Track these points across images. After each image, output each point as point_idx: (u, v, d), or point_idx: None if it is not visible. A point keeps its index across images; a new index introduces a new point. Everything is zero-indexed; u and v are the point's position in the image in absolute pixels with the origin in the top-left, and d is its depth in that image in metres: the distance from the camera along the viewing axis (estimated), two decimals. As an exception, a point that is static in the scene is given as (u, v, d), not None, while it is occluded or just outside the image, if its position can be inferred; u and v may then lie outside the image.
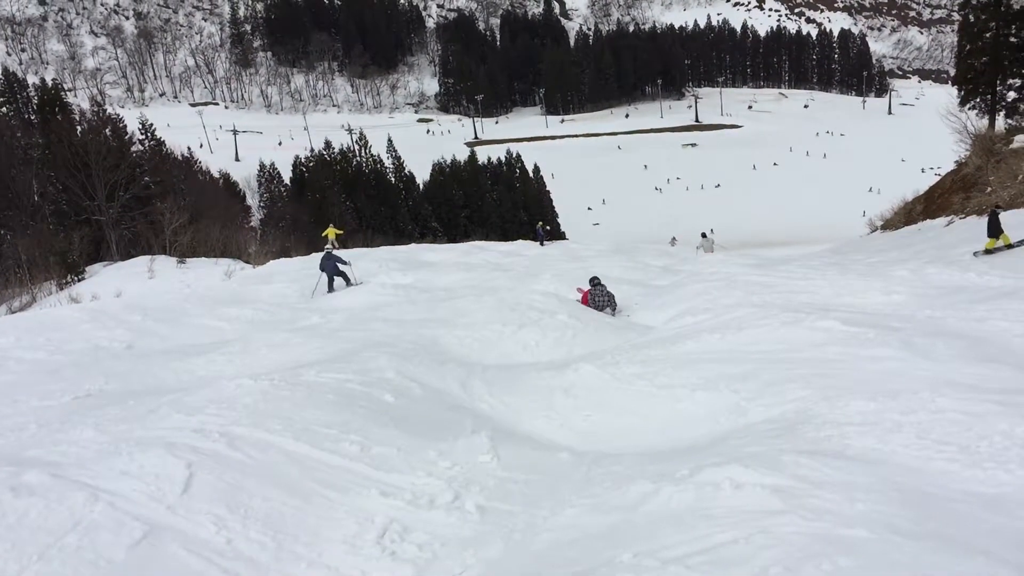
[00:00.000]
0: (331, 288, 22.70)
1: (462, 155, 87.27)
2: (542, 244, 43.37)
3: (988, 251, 20.38)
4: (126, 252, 35.82)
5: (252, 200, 68.67)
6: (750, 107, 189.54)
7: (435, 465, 7.93)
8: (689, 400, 9.75)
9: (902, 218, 37.98)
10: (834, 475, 6.04)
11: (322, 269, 22.73)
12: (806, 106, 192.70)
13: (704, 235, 39.66)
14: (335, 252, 24.19)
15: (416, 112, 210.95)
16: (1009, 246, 19.96)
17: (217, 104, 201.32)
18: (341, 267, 22.86)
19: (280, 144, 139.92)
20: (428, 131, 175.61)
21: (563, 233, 78.75)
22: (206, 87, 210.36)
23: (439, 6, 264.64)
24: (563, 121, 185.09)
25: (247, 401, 8.93)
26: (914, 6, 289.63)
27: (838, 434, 7.26)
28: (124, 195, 37.53)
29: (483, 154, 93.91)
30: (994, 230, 20.53)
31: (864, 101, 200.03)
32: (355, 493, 7.21)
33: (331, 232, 40.83)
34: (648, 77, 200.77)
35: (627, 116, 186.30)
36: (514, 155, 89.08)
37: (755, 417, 8.66)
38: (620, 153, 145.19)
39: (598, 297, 18.31)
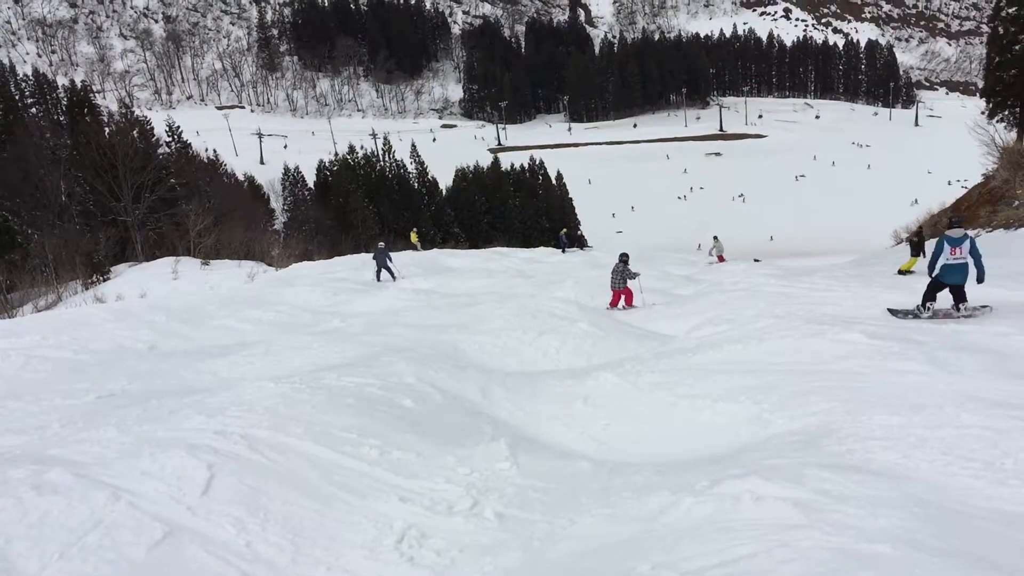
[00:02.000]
0: (379, 278, 26.25)
1: (485, 161, 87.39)
2: (564, 251, 43.37)
3: (904, 272, 20.47)
4: (151, 253, 36.11)
5: (276, 203, 69.09)
6: (817, 116, 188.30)
7: (454, 471, 7.92)
8: (710, 411, 9.69)
9: (928, 231, 37.61)
10: (857, 490, 5.98)
11: (375, 259, 26.77)
12: (824, 116, 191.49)
13: (716, 237, 39.74)
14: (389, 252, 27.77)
15: (440, 118, 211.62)
16: (900, 272, 20.39)
17: (243, 107, 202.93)
18: (389, 264, 26.56)
19: (285, 147, 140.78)
20: (452, 136, 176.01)
21: (585, 240, 78.71)
22: (232, 90, 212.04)
23: (465, 12, 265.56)
24: (587, 128, 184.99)
25: (268, 404, 8.96)
26: (942, 17, 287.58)
27: (861, 448, 7.19)
28: (150, 196, 37.85)
29: (506, 160, 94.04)
30: (916, 248, 20.95)
31: (890, 112, 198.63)
32: (374, 498, 7.22)
33: (413, 236, 45.34)
34: (673, 85, 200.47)
35: (647, 126, 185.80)
36: (537, 162, 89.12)
37: (776, 429, 8.59)
38: (643, 161, 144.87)
39: (615, 275, 19.65)
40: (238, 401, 9.15)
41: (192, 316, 18.75)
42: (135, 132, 41.06)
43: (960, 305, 12.95)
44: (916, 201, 57.88)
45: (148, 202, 37.88)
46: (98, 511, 6.29)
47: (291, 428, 8.30)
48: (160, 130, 47.34)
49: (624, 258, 19.94)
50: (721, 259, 38.59)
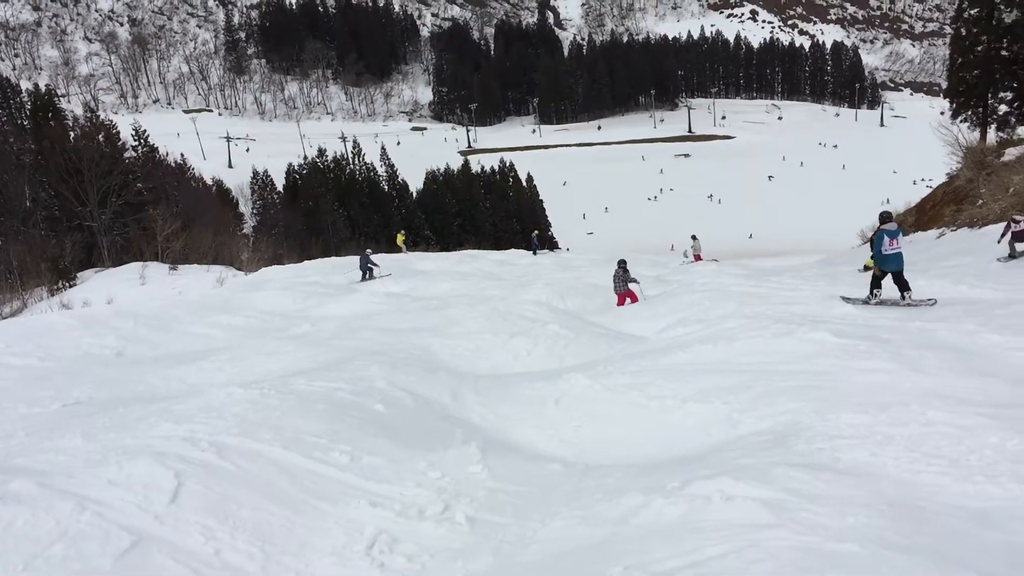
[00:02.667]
0: (363, 279, 27.44)
1: (455, 163, 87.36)
2: (535, 253, 43.43)
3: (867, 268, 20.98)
4: (118, 258, 35.70)
5: (245, 207, 68.59)
6: (780, 118, 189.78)
7: (425, 475, 7.89)
8: (680, 411, 9.72)
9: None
10: (825, 488, 6.03)
11: (361, 267, 28.00)
12: (791, 117, 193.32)
13: (694, 237, 40.02)
14: (372, 256, 29.56)
15: (410, 120, 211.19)
16: (865, 268, 21.11)
17: (211, 111, 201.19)
18: (371, 266, 27.98)
19: (248, 150, 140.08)
20: (422, 139, 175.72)
21: (556, 242, 78.87)
22: (200, 94, 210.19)
23: (433, 15, 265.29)
24: (556, 131, 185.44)
25: (237, 410, 8.88)
26: (906, 19, 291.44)
27: (829, 447, 7.25)
28: (116, 201, 37.42)
29: (476, 163, 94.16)
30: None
31: (856, 113, 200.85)
32: (344, 503, 7.18)
33: (400, 238, 45.08)
34: (642, 87, 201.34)
35: (616, 127, 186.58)
36: (507, 164, 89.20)
37: (746, 429, 8.64)
38: (613, 163, 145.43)
39: (616, 279, 20.66)
40: (206, 407, 9.06)
41: (160, 322, 18.54)
42: (101, 136, 40.54)
43: (905, 293, 14.21)
44: (888, 200, 58.73)
45: (114, 207, 37.44)
46: (63, 521, 6.21)
47: (260, 434, 8.24)
48: (126, 134, 46.80)
49: (623, 264, 20.86)
50: (698, 258, 38.83)
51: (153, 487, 6.89)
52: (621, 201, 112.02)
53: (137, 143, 49.89)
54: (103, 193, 36.73)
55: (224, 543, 6.35)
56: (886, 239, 14.03)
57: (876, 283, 14.65)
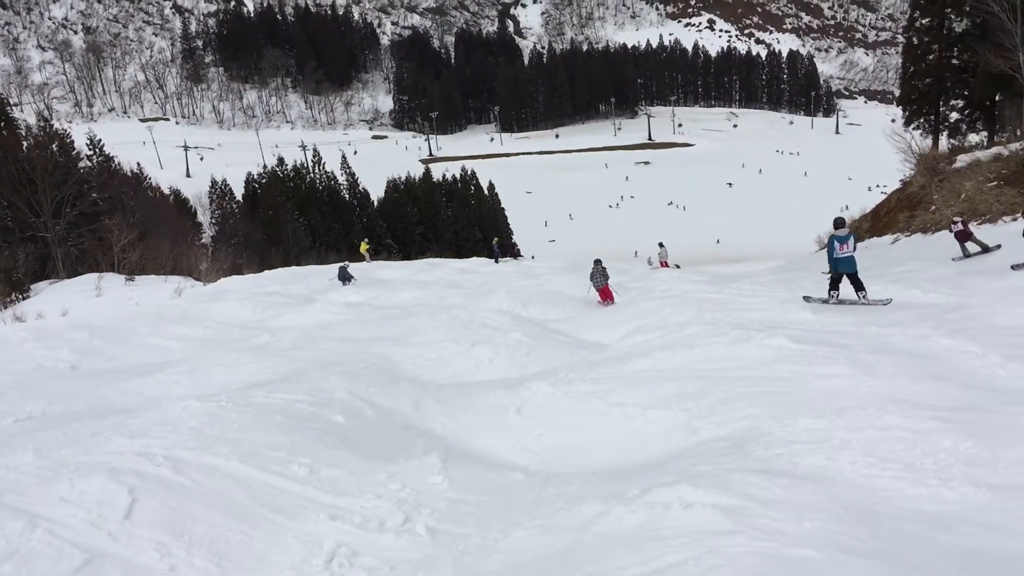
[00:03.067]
0: (344, 284, 28.48)
1: (417, 172, 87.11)
2: (497, 261, 43.42)
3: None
4: (73, 270, 35.03)
5: (203, 217, 67.81)
6: (735, 126, 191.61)
7: (385, 487, 7.84)
8: (641, 418, 9.77)
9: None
10: (783, 494, 6.08)
11: (340, 278, 29.05)
12: (749, 125, 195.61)
13: (661, 244, 40.31)
14: (351, 266, 31.52)
15: (371, 129, 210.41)
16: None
17: (168, 120, 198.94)
18: (351, 273, 29.34)
19: (202, 159, 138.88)
20: (383, 147, 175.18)
21: (518, 250, 78.96)
22: (156, 102, 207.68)
23: (393, 23, 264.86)
24: (517, 139, 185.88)
25: (193, 424, 8.75)
26: (860, 28, 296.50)
27: (787, 452, 7.31)
28: (71, 212, 36.75)
29: (438, 171, 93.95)
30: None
31: (812, 120, 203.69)
32: (303, 517, 7.10)
33: (363, 246, 45.39)
34: (602, 95, 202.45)
35: (576, 135, 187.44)
36: (469, 172, 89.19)
37: (706, 435, 8.70)
38: (575, 170, 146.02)
39: (596, 276, 21.53)
40: (162, 421, 8.92)
41: (116, 334, 18.25)
42: (55, 146, 39.82)
43: (860, 294, 15.24)
44: (847, 207, 59.63)
45: (69, 217, 36.77)
46: (13, 540, 6.07)
47: (217, 448, 8.12)
48: (81, 143, 46.02)
49: (599, 262, 21.97)
50: (665, 265, 39.05)
51: (107, 504, 6.76)
52: (583, 208, 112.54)
53: (92, 152, 49.05)
54: (57, 203, 36.04)
55: (180, 560, 6.25)
56: (837, 244, 15.30)
57: (834, 284, 15.68)
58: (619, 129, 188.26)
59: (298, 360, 14.25)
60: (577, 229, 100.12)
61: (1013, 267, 17.44)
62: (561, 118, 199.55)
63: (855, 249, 15.53)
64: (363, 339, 16.66)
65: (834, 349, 10.97)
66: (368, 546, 6.68)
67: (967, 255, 20.93)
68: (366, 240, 48.58)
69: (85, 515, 6.59)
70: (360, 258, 43.05)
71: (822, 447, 7.30)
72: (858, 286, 15.25)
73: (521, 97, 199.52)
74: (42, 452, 8.22)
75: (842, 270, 15.34)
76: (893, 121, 38.39)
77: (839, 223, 15.89)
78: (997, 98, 35.80)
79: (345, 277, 29.06)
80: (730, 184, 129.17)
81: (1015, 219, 23.79)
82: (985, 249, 20.69)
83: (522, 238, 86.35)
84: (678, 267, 39.14)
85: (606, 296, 21.68)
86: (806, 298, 16.24)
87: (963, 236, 21.14)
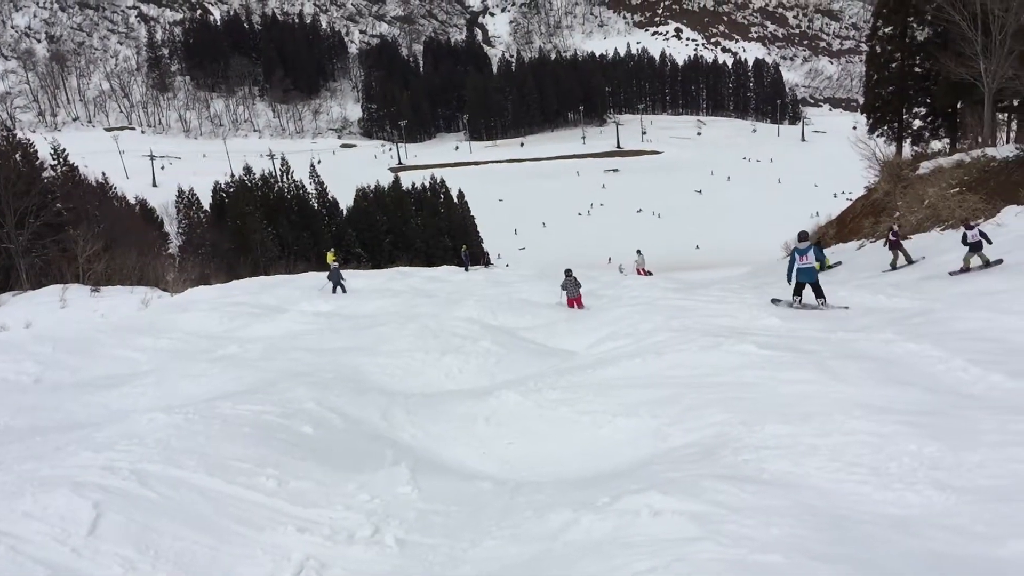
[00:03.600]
0: (334, 291, 28.55)
1: (386, 180, 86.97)
2: (467, 269, 43.38)
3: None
4: (37, 281, 34.52)
5: (170, 227, 67.11)
6: (699, 133, 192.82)
7: (354, 498, 7.79)
8: (610, 426, 9.79)
9: (816, 242, 39.01)
10: (751, 500, 6.12)
11: (329, 279, 29.44)
12: (715, 133, 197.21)
13: (639, 251, 40.62)
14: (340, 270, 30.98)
15: (339, 137, 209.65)
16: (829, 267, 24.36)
17: (133, 129, 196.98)
18: (342, 280, 29.35)
19: (163, 168, 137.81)
20: (352, 156, 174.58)
21: (488, 257, 78.95)
22: (122, 111, 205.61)
23: (362, 32, 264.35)
24: (486, 147, 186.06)
25: (159, 436, 8.65)
26: (824, 37, 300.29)
27: (755, 458, 7.37)
28: (35, 222, 36.27)
29: (407, 179, 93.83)
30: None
31: (778, 128, 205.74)
32: (271, 530, 7.03)
33: (330, 256, 44.02)
34: (570, 104, 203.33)
35: (545, 143, 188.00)
36: (438, 180, 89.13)
37: (675, 442, 8.74)
38: (544, 178, 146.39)
39: (569, 286, 22.18)
40: (128, 434, 8.81)
41: (81, 346, 18.01)
42: (17, 156, 39.30)
43: (819, 300, 16.24)
44: (817, 213, 60.29)
45: (33, 228, 36.28)
46: (-26, 557, 5.96)
47: (184, 461, 8.03)
48: (44, 153, 45.47)
49: (569, 272, 22.57)
50: (641, 272, 39.24)
51: (71, 519, 6.66)
52: (553, 216, 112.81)
53: (56, 162, 48.48)
54: (21, 214, 35.54)
55: (145, 574, 6.16)
56: (798, 256, 16.45)
57: (797, 291, 16.72)
58: (584, 138, 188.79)
59: (266, 371, 14.13)
60: (547, 237, 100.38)
61: (951, 273, 18.33)
62: (530, 126, 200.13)
63: (817, 260, 16.59)
64: (332, 349, 16.56)
65: (801, 355, 11.08)
66: (337, 558, 6.63)
67: (894, 267, 22.36)
68: (333, 250, 48.13)
69: (49, 530, 6.49)
70: (327, 267, 42.86)
71: (789, 453, 7.37)
72: (818, 293, 16.24)
73: (490, 105, 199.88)
74: (5, 466, 8.10)
75: (803, 279, 16.37)
76: (854, 128, 38.93)
77: (802, 236, 16.99)
78: (959, 105, 36.42)
79: (337, 282, 29.20)
80: (699, 191, 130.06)
81: (977, 224, 24.20)
82: (909, 261, 22.26)
83: (492, 246, 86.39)
84: (650, 273, 39.36)
85: (576, 304, 22.22)
86: (774, 301, 17.14)
87: (896, 246, 22.60)
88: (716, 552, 5.08)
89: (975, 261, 18.65)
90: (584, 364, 13.33)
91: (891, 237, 23.20)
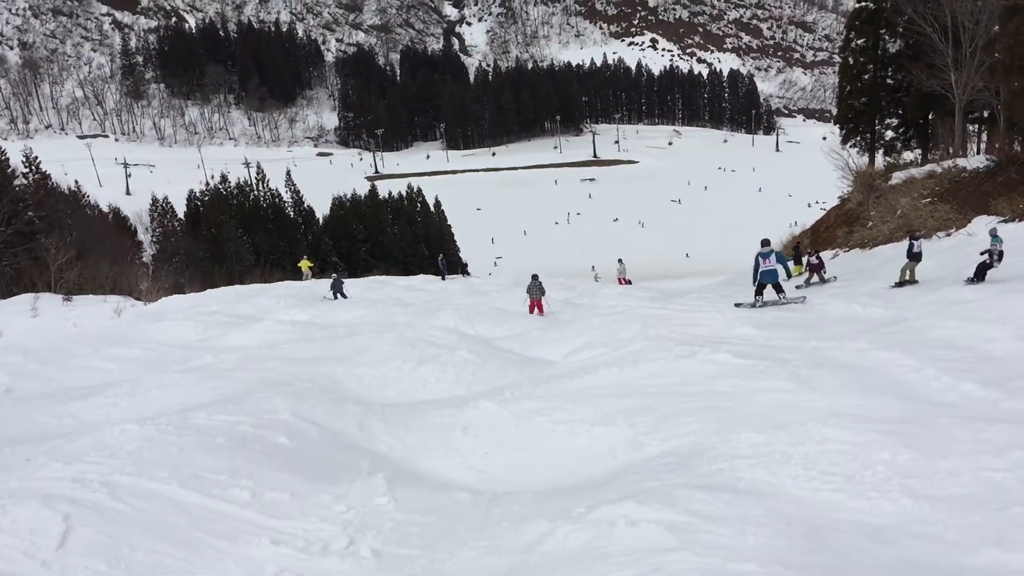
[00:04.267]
0: (335, 298, 29.34)
1: (363, 189, 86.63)
2: (444, 278, 43.32)
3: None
4: (8, 290, 34.11)
5: (144, 235, 66.52)
6: (670, 143, 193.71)
7: (329, 509, 7.73)
8: (587, 435, 9.79)
9: (790, 251, 39.32)
10: (726, 509, 6.14)
11: (332, 288, 30.15)
12: (689, 143, 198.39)
13: (620, 260, 40.83)
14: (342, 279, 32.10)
15: (315, 146, 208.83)
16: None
17: (107, 136, 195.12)
18: (343, 288, 30.27)
19: (130, 175, 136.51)
20: (329, 164, 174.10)
21: (465, 266, 78.86)
22: (95, 119, 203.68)
23: (338, 40, 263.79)
24: (464, 156, 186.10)
25: (131, 447, 8.55)
26: (798, 48, 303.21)
27: (730, 467, 7.39)
28: (6, 230, 35.88)
29: (384, 188, 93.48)
30: (796, 258, 28.22)
31: (753, 138, 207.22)
32: (245, 542, 6.96)
33: (305, 264, 44.19)
34: (547, 113, 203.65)
35: (522, 152, 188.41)
36: (415, 189, 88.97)
37: (651, 451, 8.76)
38: (520, 187, 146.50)
39: (533, 289, 23.42)
40: (99, 446, 8.70)
41: (52, 356, 17.79)
42: (-12, 163, 38.92)
43: (780, 295, 18.78)
44: (796, 223, 60.74)
45: (4, 236, 35.89)
46: (-60, 573, 5.86)
47: (156, 472, 7.94)
48: (16, 160, 45.01)
49: (535, 277, 24.00)
50: (622, 281, 39.36)
51: (40, 532, 6.57)
52: (530, 225, 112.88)
53: (28, 170, 48.00)
54: (-9, 222, 35.18)
55: (116, 589, 6.08)
56: (762, 260, 18.72)
57: (759, 291, 19.10)
58: (557, 147, 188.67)
59: (241, 381, 14.01)
60: (525, 246, 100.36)
61: (891, 287, 19.46)
62: (507, 135, 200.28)
63: (780, 263, 18.98)
64: (309, 359, 16.47)
65: (776, 364, 11.14)
66: (311, 570, 6.57)
67: (808, 284, 23.88)
68: (306, 257, 47.83)
69: (17, 544, 6.39)
70: (299, 276, 42.63)
71: (764, 461, 7.40)
72: (778, 289, 18.81)
73: (467, 114, 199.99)
74: (-28, 480, 7.96)
75: (765, 280, 18.75)
76: (824, 139, 39.45)
77: (765, 243, 19.37)
78: (930, 116, 36.89)
79: (338, 289, 29.93)
80: (678, 200, 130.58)
81: (948, 235, 24.53)
82: (823, 281, 23.82)
83: (468, 255, 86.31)
84: (630, 282, 39.49)
85: (537, 308, 23.57)
86: (737, 304, 19.25)
87: (815, 268, 24.21)
88: (692, 562, 5.08)
89: (910, 274, 19.39)
90: (561, 373, 13.33)
91: (812, 261, 24.70)
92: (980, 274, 17.04)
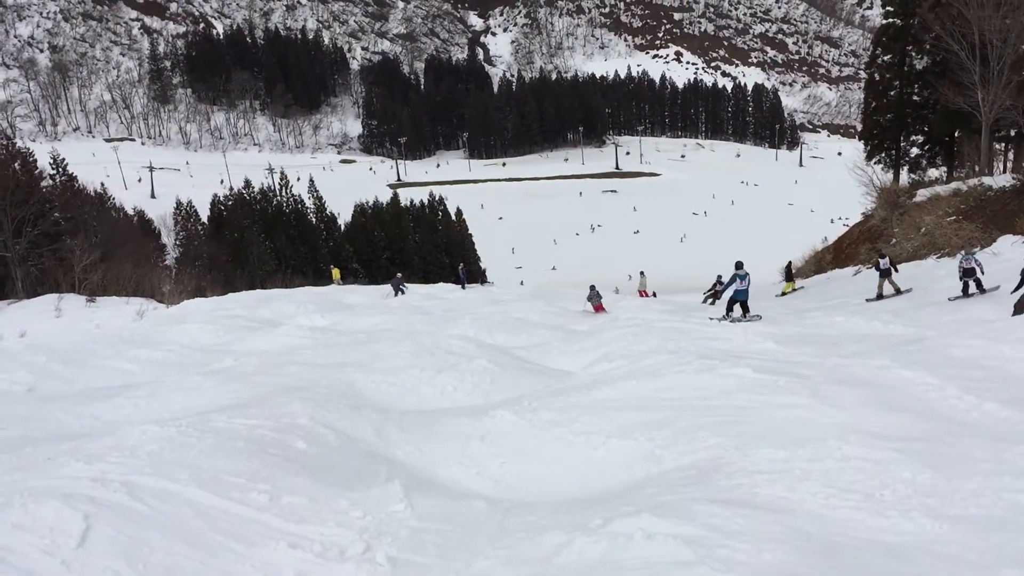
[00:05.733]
0: (396, 295, 33.02)
1: (384, 197, 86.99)
2: (463, 287, 43.33)
3: (783, 294, 29.45)
4: (33, 290, 34.50)
5: (167, 238, 67.09)
6: (683, 156, 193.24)
7: (347, 515, 7.75)
8: (604, 448, 9.77)
9: (813, 267, 39.16)
10: (744, 524, 6.11)
11: (393, 287, 34.29)
12: (711, 156, 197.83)
13: (642, 272, 40.75)
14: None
15: (339, 153, 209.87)
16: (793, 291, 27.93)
17: (133, 140, 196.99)
18: (403, 288, 34.29)
19: (151, 177, 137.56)
20: (351, 171, 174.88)
21: (485, 275, 78.91)
22: (122, 122, 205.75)
23: (364, 48, 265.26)
24: (487, 165, 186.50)
25: (151, 448, 8.62)
26: (823, 63, 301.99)
27: (748, 482, 7.36)
28: (32, 231, 36.27)
29: (406, 196, 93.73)
30: (788, 276, 29.49)
31: (776, 153, 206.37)
32: (262, 545, 7.00)
33: (336, 272, 46.69)
34: (570, 124, 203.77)
35: (548, 160, 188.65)
36: (436, 197, 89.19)
37: (669, 465, 8.73)
38: (542, 198, 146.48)
39: (594, 297, 26.36)
40: (120, 446, 8.77)
41: (75, 356, 17.97)
42: (17, 164, 39.33)
43: (746, 315, 20.06)
44: (826, 239, 60.35)
45: (30, 237, 36.28)
46: (-38, 568, 5.92)
47: (176, 474, 8.00)
48: (44, 162, 45.50)
49: (593, 287, 26.94)
50: (643, 294, 39.28)
51: (60, 530, 6.62)
52: (549, 235, 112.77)
53: (55, 172, 48.53)
54: (18, 223, 35.56)
55: (135, 588, 6.12)
56: (738, 280, 20.10)
57: (729, 307, 20.70)
58: (566, 160, 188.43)
59: (261, 385, 14.09)
60: (543, 256, 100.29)
61: (867, 300, 20.77)
62: (530, 145, 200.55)
63: (748, 284, 20.29)
64: (327, 364, 16.53)
65: (796, 379, 11.08)
66: (328, 575, 6.59)
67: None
68: (334, 266, 49.13)
69: (38, 542, 6.45)
70: (327, 282, 43.11)
71: (783, 477, 7.36)
72: (746, 309, 20.24)
73: (490, 124, 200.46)
74: (-5, 477, 8.05)
75: (739, 298, 20.20)
76: (839, 154, 39.32)
77: (739, 265, 20.37)
78: (956, 134, 36.61)
79: (398, 288, 33.76)
80: (703, 213, 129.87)
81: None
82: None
83: (489, 264, 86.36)
84: (655, 295, 39.42)
85: (600, 309, 26.21)
86: (711, 318, 20.53)
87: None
88: (709, 576, 5.06)
89: (887, 288, 21.74)
90: (579, 384, 13.32)
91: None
92: (966, 289, 18.71)
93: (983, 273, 18.42)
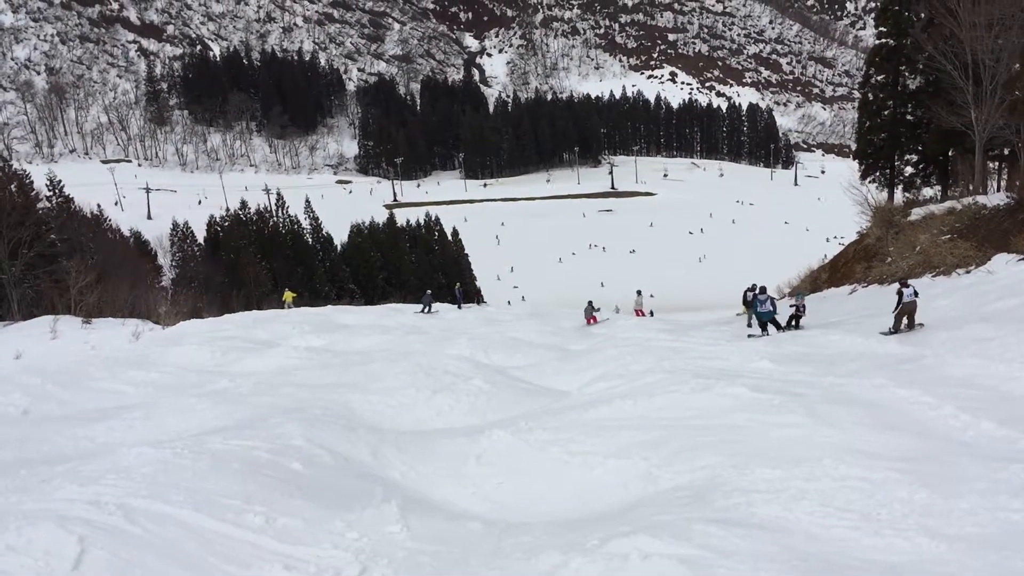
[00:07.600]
0: (425, 311, 35.06)
1: (381, 217, 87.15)
2: (459, 307, 43.32)
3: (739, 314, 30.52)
4: (28, 312, 34.44)
5: (164, 260, 67.08)
6: (665, 175, 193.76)
7: (342, 536, 7.73)
8: (601, 467, 9.76)
9: (808, 285, 39.14)
10: (741, 544, 6.10)
11: (423, 302, 36.53)
12: (704, 176, 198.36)
13: (639, 292, 40.78)
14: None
15: (335, 173, 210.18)
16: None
17: (130, 161, 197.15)
18: (432, 304, 36.43)
19: (146, 196, 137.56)
20: (348, 192, 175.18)
21: (481, 295, 78.95)
22: (119, 144, 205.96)
23: (360, 70, 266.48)
24: (485, 185, 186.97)
25: (147, 471, 8.59)
26: (817, 83, 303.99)
27: (745, 502, 7.35)
28: (28, 253, 36.25)
29: (402, 217, 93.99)
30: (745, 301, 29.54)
31: (771, 172, 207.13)
32: (257, 568, 6.96)
33: (288, 296, 44.79)
34: (565, 144, 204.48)
35: (548, 181, 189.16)
36: (433, 218, 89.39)
37: (665, 484, 8.71)
38: (538, 218, 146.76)
39: (590, 310, 29.29)
40: (115, 468, 8.74)
41: (70, 378, 17.92)
42: (13, 186, 39.37)
43: (780, 329, 21.65)
44: (825, 256, 60.40)
45: (26, 258, 36.26)
46: (-45, 592, 5.89)
47: (171, 496, 7.97)
48: (40, 184, 45.56)
49: (591, 303, 29.87)
50: (640, 313, 39.32)
51: (54, 553, 6.59)
52: (545, 255, 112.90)
53: (52, 193, 48.59)
54: (14, 244, 35.56)
55: (129, 612, 6.09)
56: (759, 304, 21.89)
57: (763, 327, 22.09)
58: (549, 182, 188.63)
59: (256, 406, 14.06)
60: (539, 276, 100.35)
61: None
62: (526, 166, 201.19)
63: (772, 304, 21.78)
64: (323, 385, 16.51)
65: (792, 399, 11.09)
66: (323, 597, 6.56)
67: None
68: (288, 289, 48.66)
69: (32, 564, 6.42)
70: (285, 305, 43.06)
71: (780, 497, 7.35)
72: (777, 326, 21.93)
73: (486, 144, 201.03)
74: (-11, 499, 8.01)
75: (764, 319, 21.94)
76: (823, 172, 39.48)
77: (762, 290, 22.51)
78: (950, 153, 36.78)
79: (428, 304, 35.64)
80: (700, 231, 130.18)
81: (968, 271, 24.35)
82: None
83: (484, 284, 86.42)
84: (651, 314, 39.46)
85: (593, 321, 28.53)
86: (749, 335, 22.13)
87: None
88: (705, 597, 5.05)
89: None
90: (576, 404, 13.31)
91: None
92: (790, 322, 22.02)
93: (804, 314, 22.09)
